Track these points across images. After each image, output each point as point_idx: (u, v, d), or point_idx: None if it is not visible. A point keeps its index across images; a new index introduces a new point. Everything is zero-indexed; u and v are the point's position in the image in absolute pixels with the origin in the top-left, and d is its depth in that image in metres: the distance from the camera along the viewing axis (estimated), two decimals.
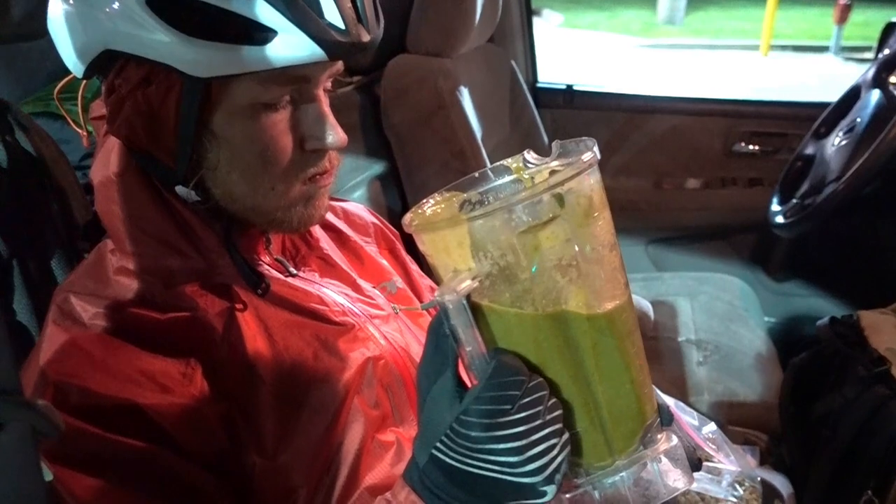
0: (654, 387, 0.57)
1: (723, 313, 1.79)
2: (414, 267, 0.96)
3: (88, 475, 0.60)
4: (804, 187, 1.65)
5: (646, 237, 2.20)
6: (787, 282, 2.13)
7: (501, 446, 0.47)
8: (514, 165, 0.58)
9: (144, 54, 0.61)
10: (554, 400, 0.50)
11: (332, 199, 0.84)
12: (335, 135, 0.67)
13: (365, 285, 0.83)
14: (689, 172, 2.16)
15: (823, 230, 1.56)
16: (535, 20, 2.24)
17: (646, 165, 2.16)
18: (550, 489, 0.49)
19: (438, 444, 0.49)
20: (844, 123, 1.63)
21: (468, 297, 0.48)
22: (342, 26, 0.62)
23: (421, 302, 0.90)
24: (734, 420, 1.48)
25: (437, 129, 1.56)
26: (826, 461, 1.27)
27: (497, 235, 0.47)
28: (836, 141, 1.61)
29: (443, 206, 0.56)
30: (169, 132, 0.64)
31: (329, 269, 0.81)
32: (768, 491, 1.11)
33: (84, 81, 0.69)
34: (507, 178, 0.58)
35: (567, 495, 0.53)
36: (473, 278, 0.48)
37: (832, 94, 1.77)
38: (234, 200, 0.68)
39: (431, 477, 0.51)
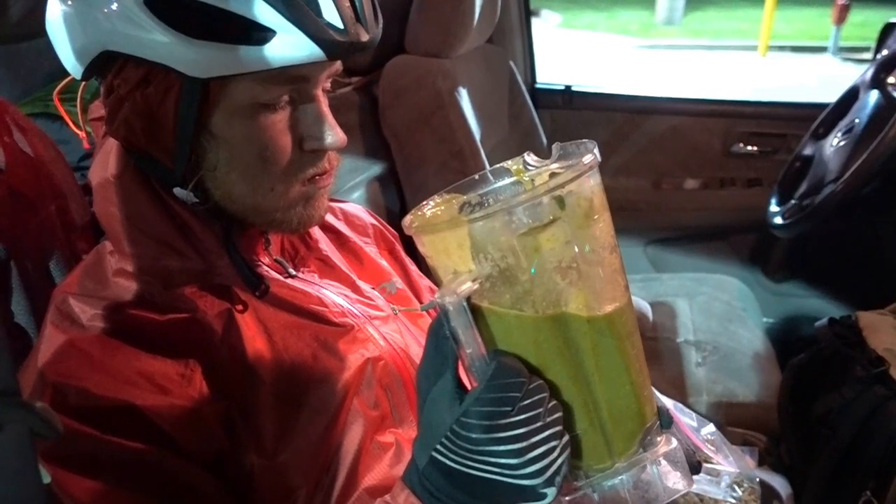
0: (653, 389, 0.57)
1: (721, 314, 1.79)
2: (413, 268, 0.96)
3: (87, 477, 0.60)
4: (803, 188, 1.65)
5: (644, 238, 2.20)
6: (786, 282, 2.13)
7: (502, 448, 0.47)
8: (515, 167, 0.58)
9: (143, 55, 0.61)
10: (554, 402, 0.50)
11: (331, 199, 0.83)
12: (334, 135, 0.67)
13: (364, 286, 0.83)
14: (688, 173, 2.16)
15: (822, 231, 1.56)
16: (534, 21, 2.23)
17: (644, 166, 2.16)
18: (550, 491, 0.49)
19: (438, 446, 0.49)
20: (843, 124, 1.63)
21: (468, 298, 0.48)
22: (341, 26, 0.62)
23: (420, 303, 0.90)
24: (733, 421, 1.48)
25: (436, 129, 1.56)
26: (825, 462, 1.27)
27: (497, 237, 0.47)
28: (834, 141, 1.61)
29: (443, 207, 0.56)
30: (168, 132, 0.64)
31: (328, 270, 0.81)
32: (767, 492, 1.11)
33: (83, 82, 0.69)
34: (507, 181, 0.58)
35: (566, 498, 0.53)
36: (474, 280, 0.48)
37: (831, 95, 1.77)
38: (233, 201, 0.68)
39: (431, 479, 0.51)
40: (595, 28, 10.32)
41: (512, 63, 2.00)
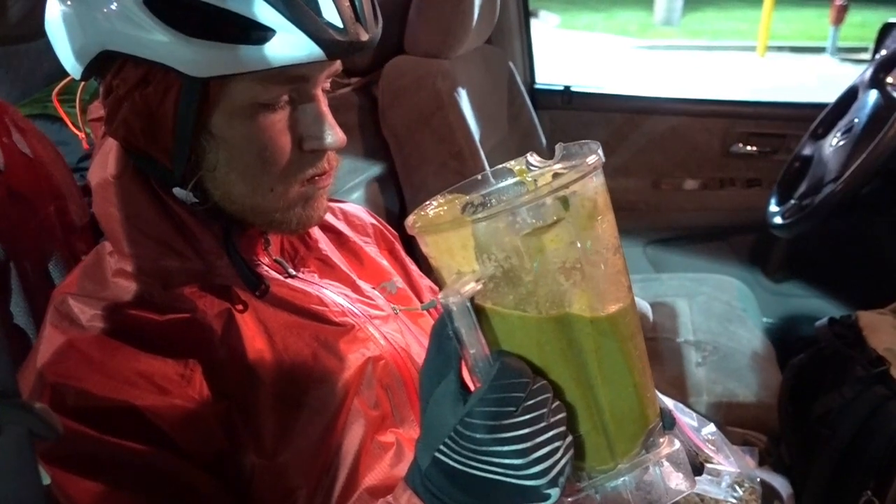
0: (656, 390, 0.56)
1: (721, 314, 1.79)
2: (414, 267, 0.96)
3: (86, 478, 0.60)
4: (802, 188, 1.65)
5: (644, 238, 2.20)
6: (786, 282, 2.13)
7: (505, 448, 0.47)
8: (517, 168, 0.58)
9: (142, 54, 0.60)
10: (558, 402, 0.49)
11: (330, 199, 0.83)
12: (334, 135, 0.67)
13: (364, 286, 0.82)
14: (688, 173, 2.16)
15: (822, 231, 1.55)
16: (532, 21, 2.23)
17: (644, 166, 2.16)
18: (554, 492, 0.48)
19: (441, 447, 0.49)
20: (842, 124, 1.63)
21: (472, 299, 0.48)
22: (340, 25, 0.62)
23: (421, 302, 0.90)
24: (733, 421, 1.48)
25: (436, 129, 1.56)
26: (825, 461, 1.27)
27: (501, 238, 0.47)
28: (833, 141, 1.61)
29: (445, 207, 0.56)
30: (167, 133, 0.64)
31: (328, 269, 0.81)
32: (768, 492, 1.11)
33: (82, 83, 0.68)
34: (510, 181, 0.58)
35: (569, 499, 0.53)
36: (477, 280, 0.48)
37: (829, 95, 1.77)
38: (232, 201, 0.68)
39: (434, 480, 0.50)
40: (593, 29, 10.33)
41: (511, 64, 2.00)
